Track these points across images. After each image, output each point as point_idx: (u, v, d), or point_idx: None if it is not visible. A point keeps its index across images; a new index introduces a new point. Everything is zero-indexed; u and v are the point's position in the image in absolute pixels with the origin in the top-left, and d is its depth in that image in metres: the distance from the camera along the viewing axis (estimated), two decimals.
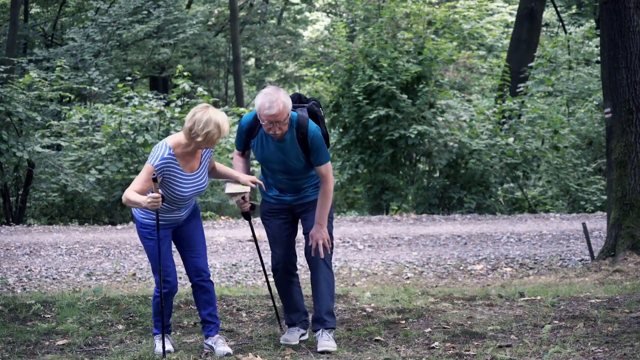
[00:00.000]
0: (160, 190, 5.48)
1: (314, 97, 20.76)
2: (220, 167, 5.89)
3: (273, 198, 5.98)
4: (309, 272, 6.03)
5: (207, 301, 5.81)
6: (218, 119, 5.47)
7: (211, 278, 5.86)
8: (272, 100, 5.56)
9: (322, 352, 5.68)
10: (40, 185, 16.50)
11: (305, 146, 5.74)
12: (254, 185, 5.80)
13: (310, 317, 6.09)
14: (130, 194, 5.46)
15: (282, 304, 6.12)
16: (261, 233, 6.26)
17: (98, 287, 8.25)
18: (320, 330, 5.84)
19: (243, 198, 5.88)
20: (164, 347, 5.59)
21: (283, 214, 5.98)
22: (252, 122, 5.81)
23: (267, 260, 9.95)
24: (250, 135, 5.84)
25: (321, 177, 5.82)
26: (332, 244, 5.91)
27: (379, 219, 15.13)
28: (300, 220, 6.03)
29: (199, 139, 5.47)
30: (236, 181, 5.80)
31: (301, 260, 8.89)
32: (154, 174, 5.42)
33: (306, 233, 5.97)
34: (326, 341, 5.76)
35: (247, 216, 6.05)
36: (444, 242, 12.18)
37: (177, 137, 5.58)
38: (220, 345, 5.72)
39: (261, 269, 9.90)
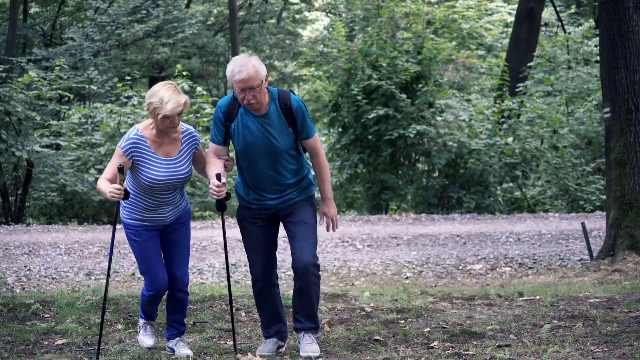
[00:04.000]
0: (124, 184, 5.33)
1: (313, 97, 20.80)
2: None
3: (254, 203, 5.50)
4: (291, 278, 5.88)
5: (177, 309, 5.71)
6: (165, 94, 5.26)
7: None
8: (242, 64, 5.24)
9: (306, 358, 5.43)
10: (39, 184, 16.48)
11: (290, 117, 5.38)
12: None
13: (288, 321, 5.92)
14: (100, 182, 5.31)
15: (261, 315, 5.71)
16: (235, 233, 6.11)
17: (97, 287, 8.25)
18: (302, 332, 5.54)
19: (219, 179, 5.34)
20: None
21: (264, 221, 5.53)
22: (230, 104, 5.42)
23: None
24: (229, 119, 5.41)
25: (311, 151, 5.50)
26: (316, 240, 5.53)
27: (378, 219, 15.12)
28: (283, 224, 5.57)
29: (145, 107, 5.34)
30: None
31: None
32: (120, 165, 5.26)
33: (291, 237, 5.49)
34: (309, 345, 5.50)
35: (222, 207, 5.45)
36: (443, 242, 12.18)
37: (147, 120, 5.48)
38: (182, 347, 5.65)
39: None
